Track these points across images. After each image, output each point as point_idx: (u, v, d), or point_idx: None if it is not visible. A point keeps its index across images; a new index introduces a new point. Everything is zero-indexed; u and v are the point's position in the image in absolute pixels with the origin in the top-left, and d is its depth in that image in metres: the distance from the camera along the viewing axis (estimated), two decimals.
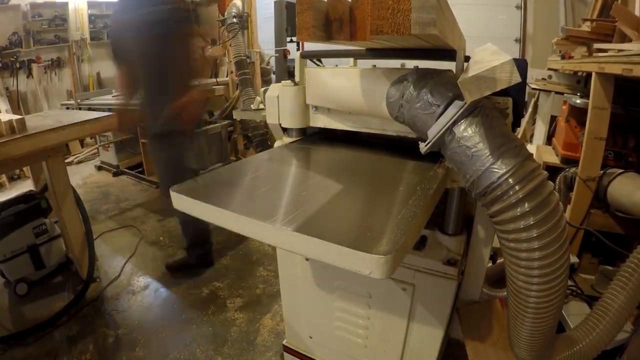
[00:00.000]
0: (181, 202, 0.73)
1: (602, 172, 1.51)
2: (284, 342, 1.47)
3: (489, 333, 1.08)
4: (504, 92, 1.05)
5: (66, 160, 3.12)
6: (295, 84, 1.10)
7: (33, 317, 1.85)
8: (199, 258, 2.23)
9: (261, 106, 1.59)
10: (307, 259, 1.21)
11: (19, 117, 1.69)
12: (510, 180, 0.63)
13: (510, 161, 0.63)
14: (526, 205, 0.63)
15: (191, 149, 2.04)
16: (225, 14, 3.14)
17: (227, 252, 2.44)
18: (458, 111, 0.66)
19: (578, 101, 1.82)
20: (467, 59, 1.02)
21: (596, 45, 1.70)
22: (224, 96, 3.68)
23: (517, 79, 0.58)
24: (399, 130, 0.98)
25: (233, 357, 1.61)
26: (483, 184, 0.66)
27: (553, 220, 0.64)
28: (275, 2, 4.04)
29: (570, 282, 1.53)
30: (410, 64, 1.29)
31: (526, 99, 3.01)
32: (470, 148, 0.66)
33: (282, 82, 1.11)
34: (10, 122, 1.62)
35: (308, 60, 1.17)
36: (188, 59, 1.83)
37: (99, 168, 4.28)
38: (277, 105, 1.14)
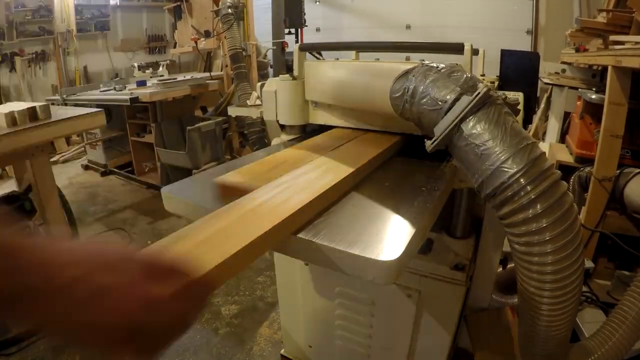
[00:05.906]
0: (173, 203, 0.73)
1: (618, 171, 1.51)
2: (282, 351, 1.47)
3: (498, 342, 1.08)
4: (515, 87, 1.06)
5: (51, 159, 3.12)
6: (294, 78, 1.10)
7: (16, 326, 1.85)
8: None
9: (258, 102, 1.59)
10: (306, 264, 1.21)
11: (43, 103, 1.73)
12: (521, 180, 0.63)
13: (522, 160, 0.63)
14: (538, 206, 0.63)
15: None
16: (220, 4, 3.14)
17: None
18: (466, 107, 0.66)
19: (593, 96, 1.81)
20: (475, 52, 1.02)
21: (612, 38, 1.70)
22: (218, 91, 3.67)
23: None
24: (403, 127, 0.98)
25: None
26: (493, 184, 0.66)
27: (567, 223, 0.64)
28: None
29: (585, 288, 1.53)
30: (415, 57, 1.29)
31: (538, 94, 3.01)
32: (479, 146, 0.66)
33: (280, 76, 1.11)
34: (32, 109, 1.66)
35: (307, 54, 1.17)
36: None
37: (86, 167, 4.28)
38: (275, 100, 1.14)
